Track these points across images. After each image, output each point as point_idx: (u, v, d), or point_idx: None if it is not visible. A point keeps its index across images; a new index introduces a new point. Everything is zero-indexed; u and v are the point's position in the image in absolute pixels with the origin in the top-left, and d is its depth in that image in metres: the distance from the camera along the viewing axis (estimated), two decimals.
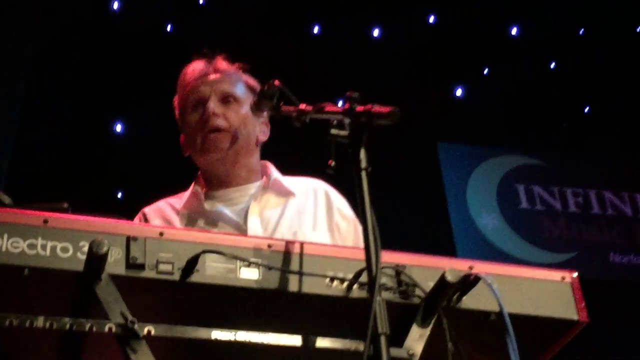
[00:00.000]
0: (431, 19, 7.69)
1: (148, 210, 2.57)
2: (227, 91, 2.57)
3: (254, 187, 2.58)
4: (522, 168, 7.61)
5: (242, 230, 2.44)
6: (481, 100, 7.52)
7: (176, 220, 2.51)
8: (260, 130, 2.64)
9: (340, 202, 2.63)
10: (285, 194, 2.58)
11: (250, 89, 2.63)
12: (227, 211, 2.49)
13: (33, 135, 5.95)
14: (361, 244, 2.46)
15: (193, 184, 2.61)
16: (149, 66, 6.36)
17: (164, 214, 2.54)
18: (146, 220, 2.52)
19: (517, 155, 7.66)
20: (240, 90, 2.60)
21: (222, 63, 2.66)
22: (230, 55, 2.69)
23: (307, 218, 2.53)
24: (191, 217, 2.51)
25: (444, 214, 7.13)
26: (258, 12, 6.66)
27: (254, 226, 2.45)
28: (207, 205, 2.51)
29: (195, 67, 2.65)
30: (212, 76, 2.61)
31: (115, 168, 6.23)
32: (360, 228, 2.54)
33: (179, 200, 2.58)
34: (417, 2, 7.51)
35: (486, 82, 7.58)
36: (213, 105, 2.53)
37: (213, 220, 2.49)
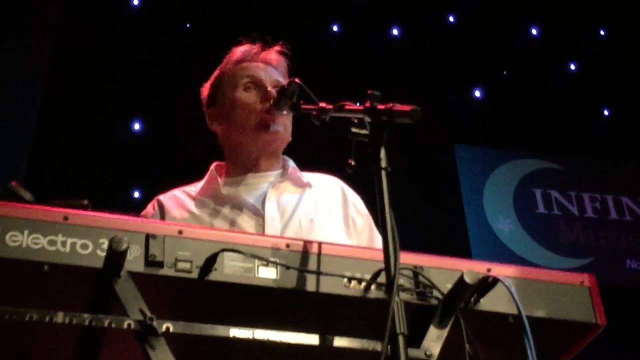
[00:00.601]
0: (450, 20, 7.68)
1: (163, 197, 2.58)
2: (280, 82, 2.60)
3: (273, 175, 2.61)
4: (540, 172, 7.58)
5: (259, 214, 2.45)
6: (500, 102, 7.50)
7: (191, 205, 2.52)
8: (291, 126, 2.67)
9: (355, 198, 2.66)
10: (302, 185, 2.61)
11: None
12: (245, 196, 2.50)
13: (52, 132, 5.98)
14: (375, 241, 2.51)
15: (209, 171, 2.63)
16: (168, 64, 6.39)
17: (179, 201, 2.55)
18: (160, 206, 2.53)
19: (534, 159, 7.62)
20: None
21: (276, 55, 2.71)
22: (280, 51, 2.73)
23: (323, 207, 2.55)
24: (208, 203, 2.52)
25: (461, 217, 7.10)
26: (278, 9, 6.67)
27: (272, 210, 2.46)
28: (224, 190, 2.53)
29: (251, 49, 2.70)
30: (266, 65, 2.66)
31: (133, 167, 6.25)
32: (374, 225, 2.56)
33: (194, 188, 2.59)
34: (436, 3, 7.50)
35: (505, 84, 7.55)
36: (272, 89, 2.55)
37: (231, 204, 2.50)
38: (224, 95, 2.65)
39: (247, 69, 2.64)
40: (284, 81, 2.57)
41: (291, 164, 2.66)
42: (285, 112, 2.37)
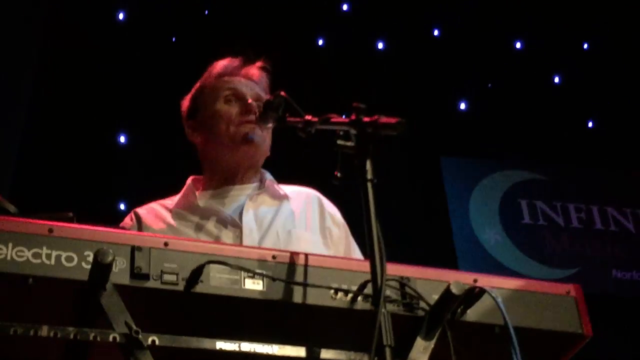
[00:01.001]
0: (435, 32, 7.71)
1: (140, 210, 2.58)
2: (261, 96, 2.61)
3: (250, 187, 2.61)
4: (525, 183, 7.61)
5: (236, 225, 2.45)
6: (484, 114, 7.53)
7: (168, 217, 2.52)
8: (270, 141, 2.68)
9: (332, 209, 2.67)
10: (279, 197, 2.61)
11: None
12: (222, 207, 2.51)
13: (37, 144, 5.96)
14: (352, 249, 2.52)
15: (186, 185, 2.63)
16: (153, 77, 6.38)
17: (156, 213, 2.55)
18: (138, 219, 2.53)
19: (520, 170, 7.65)
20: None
21: (257, 71, 2.72)
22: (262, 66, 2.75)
23: (301, 219, 2.55)
24: (184, 214, 2.53)
25: (447, 228, 7.12)
26: (262, 23, 6.68)
27: (249, 222, 2.46)
28: (201, 203, 2.53)
29: (232, 63, 2.71)
30: (247, 80, 2.67)
31: (118, 179, 6.23)
32: (350, 235, 2.57)
33: (171, 201, 2.60)
34: (421, 15, 7.54)
35: (489, 96, 7.59)
36: (253, 102, 2.56)
37: (207, 217, 2.50)
38: (205, 107, 2.66)
39: (229, 82, 2.65)
40: (265, 96, 2.59)
41: (268, 176, 2.67)
42: (270, 125, 2.37)
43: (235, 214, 2.50)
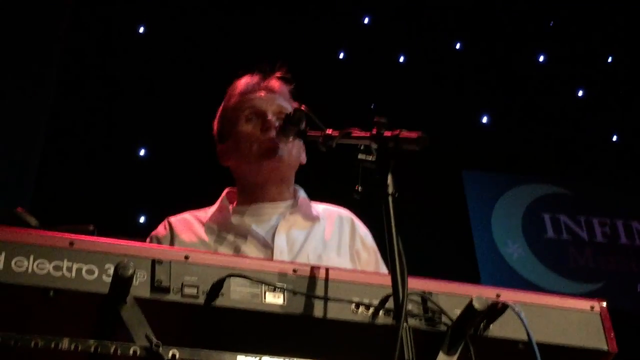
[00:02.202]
0: (457, 46, 7.70)
1: (174, 219, 2.58)
2: (282, 107, 2.61)
3: (283, 205, 2.61)
4: (548, 197, 7.55)
5: (268, 246, 2.45)
6: (507, 127, 7.49)
7: (201, 231, 2.52)
8: (302, 151, 2.68)
9: (364, 231, 2.64)
10: (312, 218, 2.60)
11: None
12: (255, 226, 2.51)
13: (58, 157, 6.00)
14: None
15: (221, 198, 2.63)
16: (174, 91, 6.41)
17: (189, 225, 2.55)
18: (171, 228, 2.53)
19: (543, 184, 7.60)
20: (291, 109, 2.62)
21: (277, 82, 2.71)
22: (281, 77, 2.74)
23: (332, 244, 2.53)
24: (218, 230, 2.52)
25: (469, 242, 7.07)
26: (284, 38, 6.70)
27: (281, 244, 2.45)
28: (234, 220, 2.53)
29: (251, 80, 2.71)
30: (267, 93, 2.66)
31: (138, 192, 6.25)
32: (381, 260, 2.54)
33: (205, 213, 2.59)
34: (443, 29, 7.53)
35: (512, 109, 7.55)
36: (272, 118, 2.56)
37: (240, 234, 2.50)
38: (229, 130, 2.66)
39: (248, 101, 2.64)
40: (287, 106, 2.58)
41: (302, 194, 2.66)
42: (291, 139, 2.37)
43: (267, 234, 2.49)
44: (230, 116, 2.67)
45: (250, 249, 2.46)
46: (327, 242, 2.54)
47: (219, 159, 2.71)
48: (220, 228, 2.53)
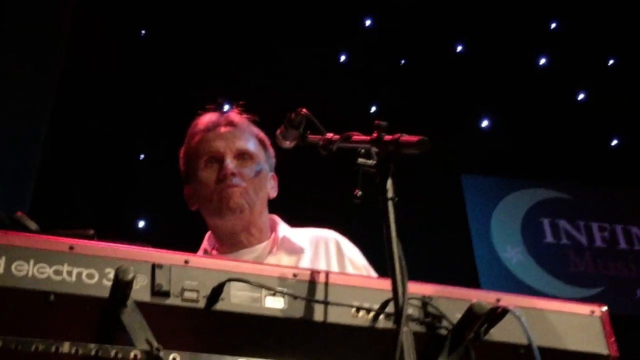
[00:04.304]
0: (458, 49, 7.70)
1: None
2: (242, 148, 2.54)
3: (260, 247, 2.54)
4: (548, 201, 7.56)
5: None
6: (507, 131, 7.50)
7: None
8: (270, 186, 2.61)
9: (351, 252, 2.59)
10: (296, 251, 2.53)
11: (261, 142, 2.61)
12: None
13: (57, 162, 6.00)
14: None
15: (202, 244, 2.59)
16: (174, 96, 6.41)
17: None
18: None
19: (542, 189, 7.61)
20: (252, 146, 2.57)
21: (234, 116, 2.63)
22: (240, 108, 2.67)
23: None
24: None
25: (468, 246, 7.08)
26: (286, 39, 6.71)
27: None
28: None
29: (208, 118, 2.62)
30: (225, 129, 2.58)
31: (138, 197, 6.25)
32: (372, 274, 2.50)
33: None
34: (444, 33, 7.53)
35: (513, 113, 7.56)
36: (230, 162, 2.49)
37: None
38: (192, 173, 2.58)
39: (206, 143, 2.56)
40: (248, 144, 2.54)
41: (282, 226, 2.59)
42: (291, 142, 2.36)
43: None
44: (191, 159, 2.59)
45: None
46: None
47: (186, 202, 2.63)
48: None
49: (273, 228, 2.60)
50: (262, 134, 2.63)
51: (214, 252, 2.56)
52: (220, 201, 2.46)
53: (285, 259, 2.51)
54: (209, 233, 2.62)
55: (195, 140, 2.59)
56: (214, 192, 2.48)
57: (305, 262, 2.51)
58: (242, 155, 2.52)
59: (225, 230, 2.53)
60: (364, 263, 2.56)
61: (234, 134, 2.57)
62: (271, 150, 2.64)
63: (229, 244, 2.54)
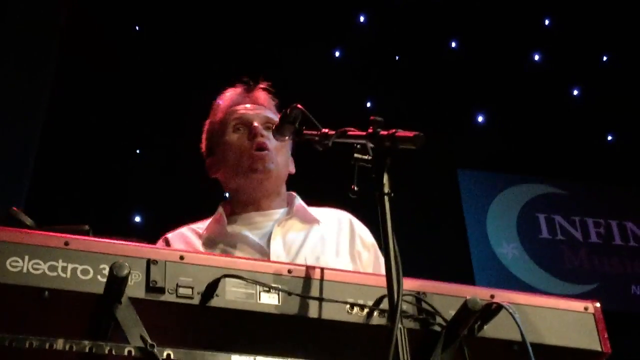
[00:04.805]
0: (453, 44, 7.71)
1: (170, 235, 2.58)
2: (270, 118, 2.61)
3: (278, 213, 2.60)
4: (543, 197, 7.57)
5: (264, 253, 2.45)
6: (502, 127, 7.50)
7: (198, 244, 2.52)
8: (290, 161, 2.69)
9: (362, 230, 2.64)
10: (310, 220, 2.60)
11: None
12: (250, 234, 2.50)
13: (53, 157, 5.99)
14: (382, 271, 2.48)
15: (218, 208, 2.63)
16: (170, 90, 6.41)
17: (186, 239, 2.55)
18: (168, 244, 2.53)
19: (538, 184, 7.62)
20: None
21: (261, 93, 2.72)
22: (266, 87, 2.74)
23: (330, 245, 2.53)
24: (213, 240, 2.52)
25: (464, 242, 7.09)
26: (281, 36, 6.70)
27: (277, 249, 2.45)
28: (230, 229, 2.53)
29: (235, 92, 2.72)
30: (252, 103, 2.67)
31: (134, 192, 6.25)
32: (381, 255, 2.54)
33: (202, 225, 2.59)
34: (439, 28, 7.53)
35: (508, 109, 7.56)
36: (259, 126, 2.56)
37: (235, 243, 2.50)
38: (217, 142, 2.66)
39: (235, 112, 2.65)
40: (274, 118, 2.58)
41: (298, 200, 2.66)
42: (287, 137, 2.37)
43: (263, 241, 2.49)
44: (217, 129, 2.67)
45: (246, 256, 2.45)
46: (326, 243, 2.54)
47: (208, 172, 2.71)
48: (216, 238, 2.53)
49: (290, 202, 2.66)
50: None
51: (228, 217, 2.58)
52: (250, 160, 2.53)
53: (298, 225, 2.57)
54: (222, 203, 2.66)
55: (221, 112, 2.68)
56: (243, 154, 2.55)
57: (317, 232, 2.56)
58: (269, 125, 2.55)
59: (248, 191, 2.59)
60: (372, 242, 2.61)
61: (261, 107, 2.66)
62: None
63: (248, 206, 2.60)
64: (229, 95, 2.73)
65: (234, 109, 2.66)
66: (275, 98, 2.75)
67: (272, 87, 2.77)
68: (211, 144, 2.71)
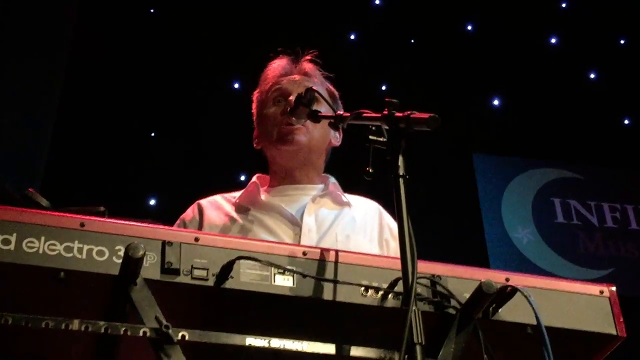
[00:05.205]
0: (469, 27, 7.66)
1: (204, 201, 2.61)
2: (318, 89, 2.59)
3: (314, 188, 2.63)
4: (559, 181, 7.53)
5: (296, 224, 2.46)
6: (518, 111, 7.46)
7: (231, 210, 2.54)
8: (333, 134, 2.68)
9: (391, 221, 2.64)
10: (341, 203, 2.62)
11: (331, 94, 2.70)
12: (285, 205, 2.52)
13: (68, 139, 6.02)
14: None
15: (251, 180, 2.65)
16: (186, 72, 6.41)
17: (219, 206, 2.58)
18: (200, 210, 2.55)
19: (553, 168, 7.57)
20: (320, 91, 2.59)
21: (307, 64, 2.73)
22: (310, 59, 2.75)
23: (360, 227, 2.55)
24: (247, 209, 2.54)
25: (479, 226, 7.07)
26: (296, 20, 6.68)
27: (310, 222, 2.47)
28: (264, 198, 2.55)
29: (280, 63, 2.73)
30: (298, 76, 2.68)
31: (149, 174, 6.27)
32: None
33: (236, 194, 2.62)
34: (455, 11, 7.49)
35: (524, 92, 7.52)
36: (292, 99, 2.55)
37: (269, 212, 2.51)
38: (260, 114, 2.70)
39: (278, 85, 2.66)
40: (320, 88, 2.57)
41: (332, 180, 2.67)
42: (303, 120, 2.38)
43: (297, 213, 2.50)
44: (262, 99, 2.70)
45: (279, 226, 2.47)
46: (357, 225, 2.55)
47: (254, 143, 2.74)
48: (250, 207, 2.54)
49: (325, 182, 2.67)
50: (332, 87, 2.74)
51: (262, 188, 2.61)
52: (280, 133, 2.56)
53: (330, 204, 2.59)
54: (257, 174, 2.69)
55: (267, 83, 2.70)
56: (275, 125, 2.58)
57: (346, 215, 2.57)
58: None
59: (282, 163, 2.62)
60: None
61: (307, 80, 2.66)
62: (340, 105, 2.72)
63: (284, 178, 2.64)
64: (275, 66, 2.74)
65: (278, 80, 2.67)
66: (320, 68, 2.75)
67: None
68: (256, 115, 2.73)
